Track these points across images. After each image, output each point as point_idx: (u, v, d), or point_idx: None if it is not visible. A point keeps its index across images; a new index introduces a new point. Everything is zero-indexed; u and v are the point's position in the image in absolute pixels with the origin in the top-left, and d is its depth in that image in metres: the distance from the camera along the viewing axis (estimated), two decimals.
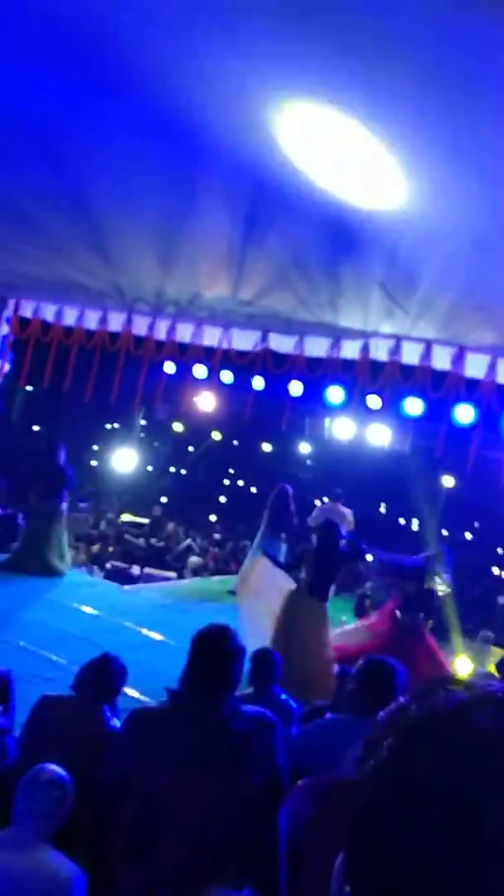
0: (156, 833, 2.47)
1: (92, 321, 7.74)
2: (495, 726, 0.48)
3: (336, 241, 4.60)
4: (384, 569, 8.20)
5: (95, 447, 17.53)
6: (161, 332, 7.64)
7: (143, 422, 15.42)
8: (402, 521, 20.49)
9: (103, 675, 3.46)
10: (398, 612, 7.49)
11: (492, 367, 6.37)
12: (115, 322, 7.68)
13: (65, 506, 9.20)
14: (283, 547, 10.18)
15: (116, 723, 3.41)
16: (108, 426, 15.91)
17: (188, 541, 13.95)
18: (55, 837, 2.51)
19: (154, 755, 2.50)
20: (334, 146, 3.53)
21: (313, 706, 4.57)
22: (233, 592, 9.86)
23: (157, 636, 7.52)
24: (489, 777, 0.46)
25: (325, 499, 14.67)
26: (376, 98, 3.08)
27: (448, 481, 14.01)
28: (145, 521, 14.44)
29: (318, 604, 7.09)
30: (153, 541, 14.96)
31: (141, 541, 14.77)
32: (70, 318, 7.77)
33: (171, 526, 16.08)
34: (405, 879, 0.46)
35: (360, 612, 11.03)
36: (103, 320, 7.68)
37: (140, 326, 7.65)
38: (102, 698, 3.42)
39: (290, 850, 2.59)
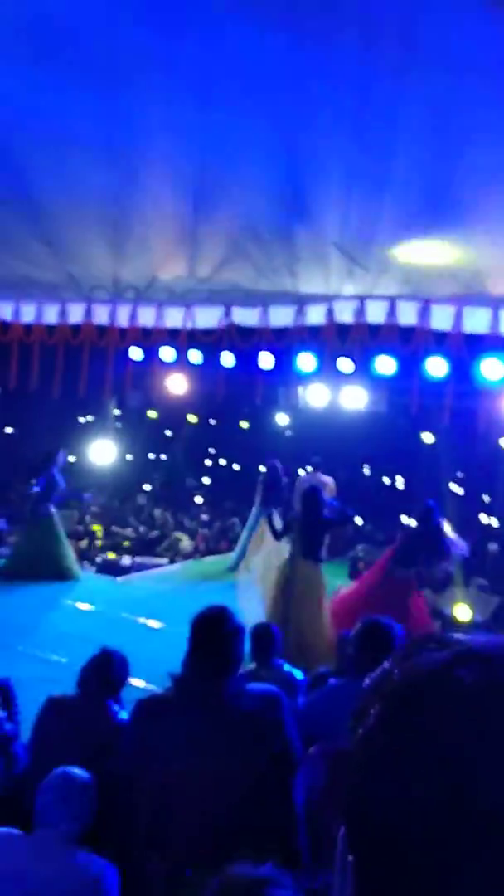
0: (175, 818, 2.46)
1: (51, 315, 7.61)
2: (476, 681, 0.48)
3: (287, 206, 4.53)
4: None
5: (71, 443, 17.38)
6: (123, 319, 7.54)
7: (116, 412, 15.27)
8: (386, 480, 20.63)
9: (105, 670, 3.44)
10: (391, 565, 7.61)
11: (458, 317, 6.36)
12: (75, 314, 7.56)
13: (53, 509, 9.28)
14: (279, 521, 10.36)
15: (124, 715, 3.40)
16: (82, 420, 15.75)
17: (177, 534, 13.93)
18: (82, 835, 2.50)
19: (164, 741, 2.49)
20: (276, 108, 3.45)
21: (317, 673, 4.60)
22: (233, 569, 9.97)
23: (155, 624, 7.52)
24: (476, 732, 0.46)
25: (309, 468, 14.71)
26: (316, 54, 3.00)
27: (428, 436, 14.09)
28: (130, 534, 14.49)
29: (312, 568, 7.14)
30: (142, 530, 14.93)
31: (129, 531, 14.73)
32: (28, 315, 7.64)
33: (157, 512, 16.06)
34: (403, 844, 0.46)
35: (354, 576, 11.13)
36: (62, 313, 7.55)
37: (101, 315, 7.54)
38: (107, 693, 3.40)
39: (308, 819, 2.60)
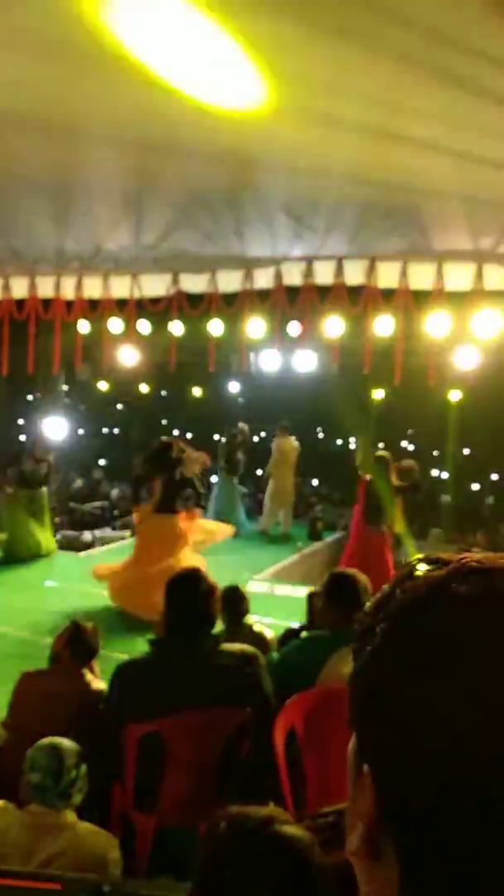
0: (160, 775, 2.52)
1: None
2: (473, 592, 0.52)
3: (233, 170, 4.48)
4: None
5: (21, 421, 17.07)
6: (69, 291, 7.39)
7: (65, 387, 15.02)
8: (339, 442, 20.89)
9: (74, 640, 3.48)
10: (362, 526, 7.89)
11: (403, 274, 6.43)
12: (19, 288, 7.38)
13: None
14: (239, 488, 10.64)
15: (100, 684, 3.43)
16: (30, 397, 15.44)
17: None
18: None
19: (146, 701, 2.54)
20: (215, 70, 3.39)
21: (288, 629, 4.70)
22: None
23: None
24: (477, 640, 0.50)
25: (263, 433, 14.78)
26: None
27: (378, 395, 14.28)
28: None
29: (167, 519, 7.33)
30: (99, 504, 14.82)
31: (87, 506, 14.61)
32: None
33: (114, 492, 15.93)
34: (417, 744, 0.50)
35: (313, 535, 11.32)
36: (5, 287, 7.36)
37: (45, 288, 7.37)
38: (79, 663, 3.44)
39: (290, 765, 2.69)
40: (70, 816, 2.40)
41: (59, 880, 1.96)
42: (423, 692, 0.50)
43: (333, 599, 3.10)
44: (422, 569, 0.57)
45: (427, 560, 0.58)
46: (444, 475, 17.91)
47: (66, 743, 2.47)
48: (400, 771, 0.51)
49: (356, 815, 0.56)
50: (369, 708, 0.54)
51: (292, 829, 1.19)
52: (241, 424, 11.53)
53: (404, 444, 21.73)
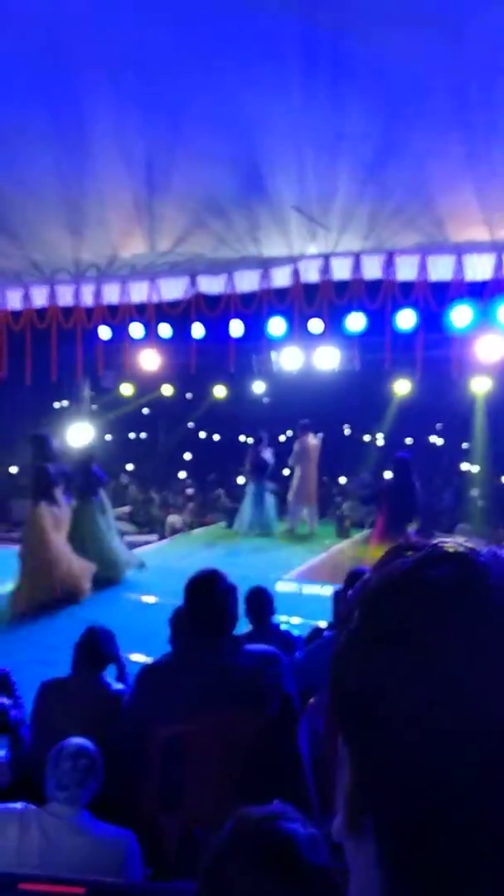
0: (184, 777, 2.53)
1: (15, 301, 7.51)
2: (443, 577, 0.53)
3: (243, 174, 4.49)
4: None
5: (49, 429, 17.24)
6: (88, 298, 7.46)
7: (89, 393, 15.17)
8: (366, 438, 20.76)
9: (91, 645, 3.52)
10: (385, 531, 7.80)
11: (422, 267, 6.37)
12: (39, 297, 7.46)
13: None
14: (270, 486, 10.80)
15: (120, 686, 3.46)
16: (57, 405, 15.62)
17: (169, 518, 13.98)
18: (93, 804, 2.55)
19: (167, 704, 2.55)
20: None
21: (315, 628, 4.69)
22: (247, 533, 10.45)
23: (150, 599, 7.59)
24: (442, 619, 0.51)
25: (290, 432, 14.76)
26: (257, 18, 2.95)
27: (403, 390, 14.15)
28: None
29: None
30: (126, 509, 14.93)
31: (115, 511, 14.73)
32: None
33: (135, 491, 16.04)
34: (388, 724, 0.51)
35: (341, 533, 11.28)
36: (26, 298, 7.45)
37: (65, 296, 7.45)
38: (97, 668, 3.48)
39: (314, 767, 2.69)
40: (85, 815, 2.43)
41: (81, 883, 1.98)
42: (389, 675, 0.51)
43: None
44: (399, 555, 0.57)
45: (405, 546, 0.58)
46: (475, 469, 17.69)
47: (73, 739, 2.51)
48: (369, 750, 0.53)
49: (340, 794, 0.57)
50: (343, 690, 0.56)
51: (293, 827, 1.19)
52: (261, 434, 11.70)
53: (433, 438, 21.53)
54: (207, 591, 2.67)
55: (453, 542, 0.56)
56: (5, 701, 3.50)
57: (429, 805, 0.49)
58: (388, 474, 8.59)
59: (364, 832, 0.54)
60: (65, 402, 15.99)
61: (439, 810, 0.49)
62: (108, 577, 8.11)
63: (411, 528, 7.98)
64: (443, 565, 0.54)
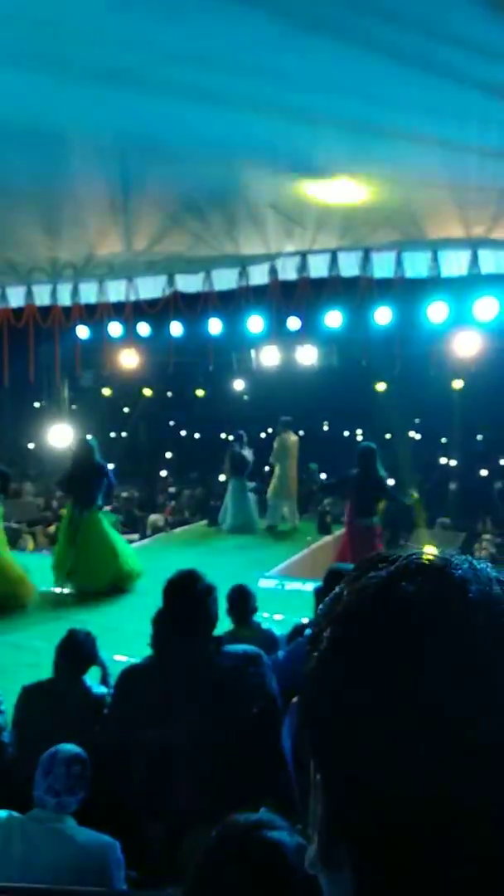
0: (167, 781, 2.53)
1: None
2: (419, 591, 0.50)
3: (219, 174, 4.47)
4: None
5: (28, 429, 17.14)
6: (65, 297, 7.40)
7: (68, 393, 15.07)
8: (346, 433, 20.85)
9: (71, 648, 3.50)
10: (353, 518, 7.88)
11: (398, 264, 6.41)
12: (16, 298, 7.40)
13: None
14: (250, 484, 10.82)
15: (103, 689, 3.45)
16: (36, 405, 15.50)
17: (150, 517, 13.91)
18: (77, 809, 2.54)
19: (149, 706, 2.54)
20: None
21: (296, 625, 4.70)
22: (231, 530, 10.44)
23: (133, 599, 7.55)
24: (421, 639, 0.48)
25: (270, 429, 14.78)
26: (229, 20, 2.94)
27: (379, 385, 14.22)
28: None
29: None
30: (107, 508, 14.83)
31: None
32: None
33: (124, 494, 15.96)
34: (358, 752, 0.48)
35: (322, 529, 11.32)
36: (3, 298, 7.38)
37: (42, 296, 7.39)
38: (79, 671, 3.46)
39: (298, 767, 2.69)
40: (69, 822, 2.42)
41: (64, 894, 1.96)
42: (362, 701, 0.49)
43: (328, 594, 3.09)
44: (372, 568, 0.54)
45: (377, 559, 0.55)
46: (453, 462, 17.85)
47: (64, 745, 2.49)
48: (345, 778, 0.50)
49: (312, 824, 0.55)
50: (314, 716, 0.53)
51: (278, 835, 1.19)
52: (240, 432, 11.69)
53: (412, 433, 21.68)
54: (186, 592, 2.66)
55: (428, 553, 0.54)
56: None
57: (408, 834, 0.47)
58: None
59: (339, 862, 0.51)
60: (43, 403, 15.88)
61: (420, 840, 0.46)
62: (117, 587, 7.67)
63: (377, 518, 8.05)
64: (418, 579, 0.50)
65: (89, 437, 8.14)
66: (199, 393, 16.11)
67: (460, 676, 0.47)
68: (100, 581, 7.52)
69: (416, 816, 0.46)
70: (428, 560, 0.53)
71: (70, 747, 2.55)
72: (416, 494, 10.32)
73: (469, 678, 0.47)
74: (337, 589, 0.56)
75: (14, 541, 11.42)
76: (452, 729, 0.46)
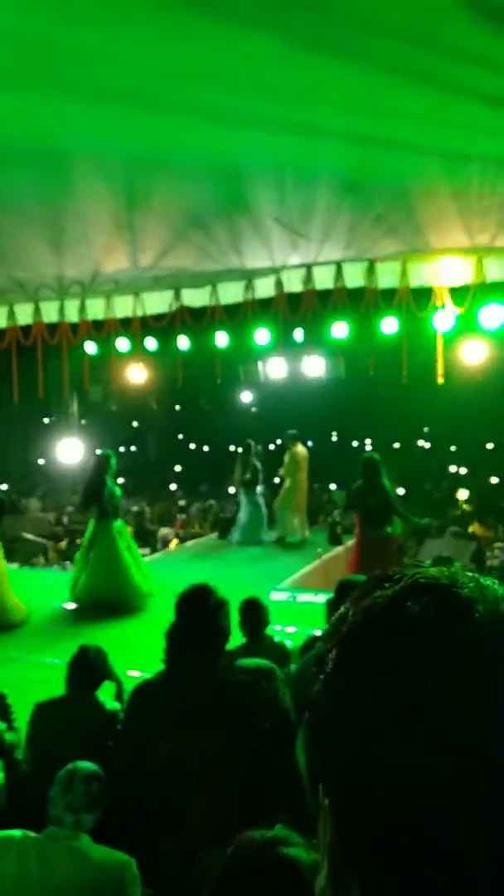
0: (182, 798, 2.52)
1: (0, 319, 7.50)
2: (426, 611, 0.49)
3: (224, 190, 4.51)
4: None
5: (38, 445, 17.23)
6: (73, 314, 7.46)
7: (77, 408, 15.15)
8: (354, 443, 20.82)
9: (83, 665, 3.50)
10: (364, 530, 7.84)
11: (404, 274, 6.42)
12: (24, 315, 7.46)
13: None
14: (261, 498, 10.77)
15: (116, 705, 3.44)
16: (45, 420, 15.58)
17: (161, 530, 13.92)
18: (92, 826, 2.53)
19: (162, 722, 2.53)
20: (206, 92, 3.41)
21: (309, 637, 4.68)
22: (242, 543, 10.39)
23: (146, 614, 7.54)
24: (428, 660, 0.48)
25: (278, 441, 14.79)
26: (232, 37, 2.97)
27: (387, 394, 14.22)
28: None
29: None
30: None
31: None
32: None
33: (134, 508, 16.00)
34: (365, 777, 0.48)
35: (333, 540, 11.29)
36: (11, 315, 7.44)
37: (50, 313, 7.44)
38: (90, 687, 3.46)
39: (312, 784, 2.67)
40: (85, 840, 2.41)
41: None
42: (368, 725, 0.48)
43: (339, 606, 3.08)
44: (378, 587, 0.54)
45: (383, 577, 0.55)
46: (463, 471, 17.78)
47: (82, 762, 2.49)
48: (355, 804, 0.49)
49: (321, 850, 0.55)
50: (319, 741, 0.53)
51: (294, 852, 1.18)
52: (249, 441, 11.68)
53: (421, 442, 21.63)
54: (198, 606, 2.66)
55: (434, 570, 0.53)
56: None
57: (420, 861, 0.46)
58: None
59: (349, 889, 0.50)
60: (53, 418, 15.96)
61: (432, 866, 0.46)
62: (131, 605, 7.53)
63: (390, 528, 7.99)
64: (424, 599, 0.50)
65: (102, 451, 8.16)
66: (207, 406, 16.15)
67: (468, 698, 0.46)
68: (101, 597, 7.44)
69: (428, 843, 0.46)
70: (434, 579, 0.52)
71: (88, 765, 2.54)
72: (427, 520, 10.37)
73: (477, 699, 0.46)
74: (342, 608, 0.56)
75: (34, 554, 11.48)
76: (463, 751, 0.46)
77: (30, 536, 12.13)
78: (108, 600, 7.43)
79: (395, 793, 0.47)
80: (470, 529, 12.68)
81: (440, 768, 0.46)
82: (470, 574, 0.53)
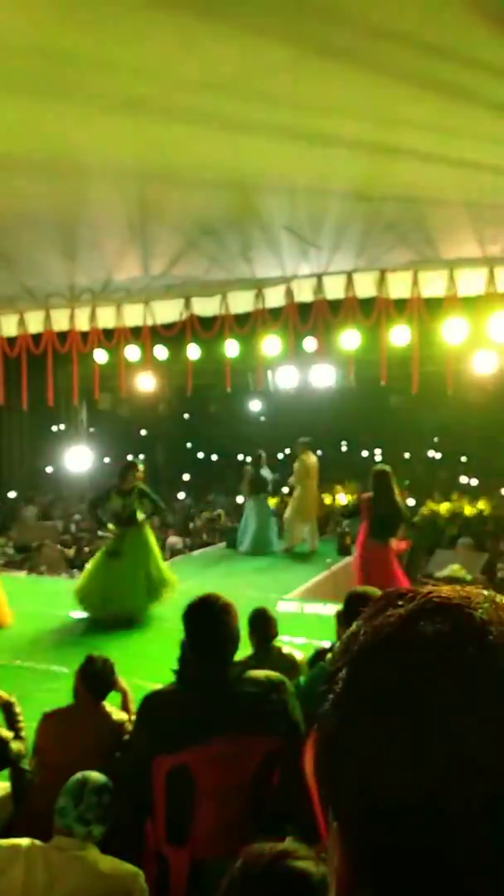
0: (191, 809, 2.49)
1: (10, 327, 7.53)
2: (438, 631, 0.49)
3: (234, 196, 4.52)
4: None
5: (47, 453, 17.30)
6: (83, 322, 7.48)
7: (86, 416, 15.20)
8: (364, 453, 20.79)
9: (90, 675, 3.49)
10: (367, 540, 7.86)
11: (415, 283, 6.41)
12: (34, 323, 7.49)
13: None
14: (269, 506, 10.82)
15: (123, 715, 3.43)
16: (54, 428, 15.63)
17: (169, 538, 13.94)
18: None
19: (171, 733, 2.51)
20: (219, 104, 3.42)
21: (318, 649, 4.65)
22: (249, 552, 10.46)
23: (154, 623, 7.52)
24: (439, 682, 0.47)
25: (287, 450, 14.79)
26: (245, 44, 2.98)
27: (397, 405, 14.21)
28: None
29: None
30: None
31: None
32: None
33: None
34: (378, 802, 0.47)
35: (342, 550, 11.25)
36: (21, 323, 7.47)
37: (60, 321, 7.47)
38: (98, 696, 3.45)
39: (321, 798, 2.64)
40: (92, 851, 2.39)
41: None
42: (377, 748, 0.47)
43: (348, 619, 3.06)
44: (390, 605, 0.53)
45: (396, 595, 0.54)
46: (474, 482, 17.70)
47: (93, 773, 2.47)
48: (367, 832, 0.48)
49: (331, 871, 0.53)
50: (328, 759, 0.52)
51: (304, 865, 1.16)
52: (259, 452, 11.70)
53: (431, 453, 21.57)
54: (206, 617, 2.64)
55: (448, 589, 0.52)
56: (6, 733, 3.45)
57: (434, 879, 0.45)
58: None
59: None
60: (62, 426, 16.02)
61: (445, 884, 0.45)
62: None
63: (398, 537, 8.02)
64: (436, 619, 0.49)
65: (135, 458, 8.24)
66: (217, 415, 16.17)
67: (479, 720, 0.45)
68: (103, 609, 7.44)
69: (438, 866, 0.45)
70: (448, 598, 0.51)
71: (98, 776, 2.53)
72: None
73: (488, 722, 0.45)
74: (354, 626, 0.55)
75: (58, 563, 11.51)
76: (473, 773, 0.45)
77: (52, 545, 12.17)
78: (122, 614, 7.38)
79: (405, 814, 0.46)
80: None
81: (450, 790, 0.45)
82: (486, 593, 0.52)
